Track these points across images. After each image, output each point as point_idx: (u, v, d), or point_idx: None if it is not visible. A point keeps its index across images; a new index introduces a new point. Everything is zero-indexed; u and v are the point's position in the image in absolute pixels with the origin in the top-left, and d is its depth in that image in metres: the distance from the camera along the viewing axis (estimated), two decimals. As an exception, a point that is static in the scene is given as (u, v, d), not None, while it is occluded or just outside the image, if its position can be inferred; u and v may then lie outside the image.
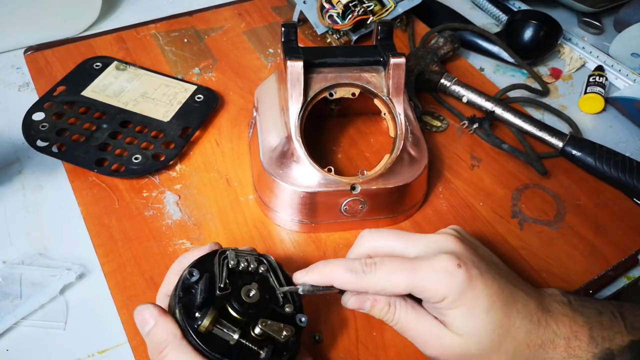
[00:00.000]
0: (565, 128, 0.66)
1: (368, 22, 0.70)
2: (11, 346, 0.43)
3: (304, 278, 0.38)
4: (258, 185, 0.52)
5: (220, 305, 0.35)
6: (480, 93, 0.65)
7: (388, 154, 0.50)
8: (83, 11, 0.72)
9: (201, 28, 0.73)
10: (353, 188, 0.48)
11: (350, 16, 0.67)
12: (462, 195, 0.57)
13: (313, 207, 0.49)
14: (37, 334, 0.44)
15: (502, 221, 0.55)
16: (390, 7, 0.70)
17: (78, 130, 0.56)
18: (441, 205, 0.56)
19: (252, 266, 0.38)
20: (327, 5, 0.67)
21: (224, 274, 0.36)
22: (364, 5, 0.67)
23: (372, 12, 0.69)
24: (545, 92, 0.71)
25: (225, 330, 0.34)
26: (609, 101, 0.70)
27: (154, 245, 0.49)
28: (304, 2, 0.68)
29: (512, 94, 0.70)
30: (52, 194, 0.54)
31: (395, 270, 0.36)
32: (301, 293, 0.37)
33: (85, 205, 0.52)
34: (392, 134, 0.51)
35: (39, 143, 0.54)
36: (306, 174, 0.48)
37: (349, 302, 0.38)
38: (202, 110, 0.60)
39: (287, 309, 0.37)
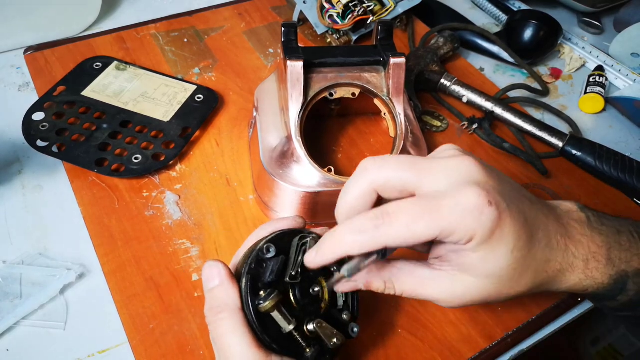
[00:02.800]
0: (565, 128, 0.66)
1: (368, 22, 0.70)
2: (11, 346, 0.43)
3: (315, 260, 0.33)
4: (258, 185, 0.52)
5: (284, 290, 0.35)
6: (480, 93, 0.65)
7: (388, 154, 0.50)
8: (83, 11, 0.72)
9: (201, 28, 0.73)
10: (353, 188, 0.48)
11: (350, 16, 0.67)
12: (462, 195, 0.56)
13: (313, 207, 0.49)
14: (37, 334, 0.44)
15: (502, 221, 0.54)
16: (390, 7, 0.70)
17: (78, 130, 0.56)
18: (441, 205, 0.55)
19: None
20: (327, 5, 0.67)
21: (299, 262, 0.36)
22: (364, 5, 0.67)
23: (372, 12, 0.69)
24: (545, 92, 0.71)
25: (282, 317, 0.34)
26: (609, 101, 0.70)
27: (154, 245, 0.49)
28: (304, 2, 0.68)
29: (512, 94, 0.70)
30: (52, 194, 0.54)
31: (415, 218, 0.30)
32: (348, 276, 0.33)
33: (85, 205, 0.52)
34: (392, 134, 0.51)
35: (39, 143, 0.54)
36: (306, 174, 0.48)
37: (344, 287, 0.35)
38: (202, 110, 0.60)
39: (344, 316, 0.37)
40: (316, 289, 0.36)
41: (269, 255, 0.35)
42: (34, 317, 0.45)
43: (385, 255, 0.33)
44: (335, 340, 0.35)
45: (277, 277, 0.34)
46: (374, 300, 0.47)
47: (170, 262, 0.48)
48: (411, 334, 0.45)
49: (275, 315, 0.34)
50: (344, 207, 0.34)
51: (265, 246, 0.35)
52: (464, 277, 0.33)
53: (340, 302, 0.37)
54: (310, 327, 0.35)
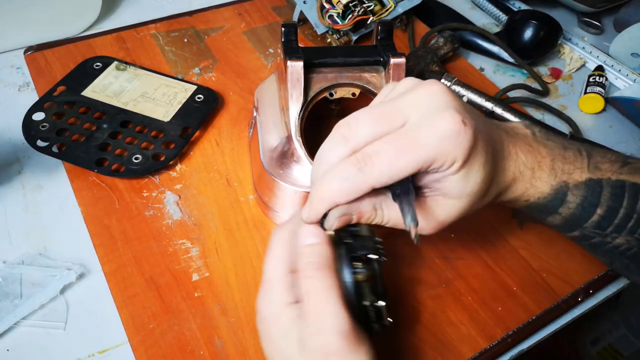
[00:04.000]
0: (565, 128, 0.66)
1: (368, 22, 0.70)
2: (11, 346, 0.43)
3: (310, 216, 0.34)
4: (258, 185, 0.52)
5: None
6: (480, 93, 0.65)
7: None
8: (83, 11, 0.72)
9: (201, 28, 0.73)
10: (353, 188, 0.48)
11: (350, 16, 0.67)
12: (462, 195, 0.57)
13: (313, 207, 0.49)
14: (37, 334, 0.44)
15: (502, 221, 0.55)
16: (390, 7, 0.70)
17: (78, 130, 0.56)
18: (441, 205, 0.56)
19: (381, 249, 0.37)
20: (327, 5, 0.67)
21: (378, 242, 0.36)
22: (364, 5, 0.67)
23: (372, 12, 0.69)
24: (545, 92, 0.71)
25: (369, 290, 0.34)
26: (609, 101, 0.70)
27: (154, 245, 0.49)
28: (304, 2, 0.68)
29: (512, 94, 0.70)
30: (52, 194, 0.54)
31: (397, 155, 0.31)
32: (416, 225, 0.32)
33: (85, 205, 0.52)
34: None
35: (39, 143, 0.54)
36: (306, 174, 0.48)
37: (337, 221, 0.34)
38: (202, 110, 0.60)
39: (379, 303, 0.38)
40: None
41: (362, 232, 0.36)
42: (34, 317, 0.45)
43: (413, 192, 0.33)
44: (389, 319, 0.36)
45: (369, 252, 0.35)
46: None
47: (170, 262, 0.48)
48: (411, 334, 0.45)
49: (364, 286, 0.34)
50: (326, 202, 0.33)
51: (354, 225, 0.36)
52: (445, 201, 0.35)
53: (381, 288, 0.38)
54: (381, 303, 0.35)
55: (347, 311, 0.32)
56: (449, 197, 0.35)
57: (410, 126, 0.32)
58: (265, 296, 0.34)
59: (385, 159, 0.31)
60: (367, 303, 0.35)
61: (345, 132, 0.33)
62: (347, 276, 0.34)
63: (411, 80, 0.35)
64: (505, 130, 0.38)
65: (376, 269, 0.36)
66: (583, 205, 0.38)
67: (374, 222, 0.36)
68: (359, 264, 0.34)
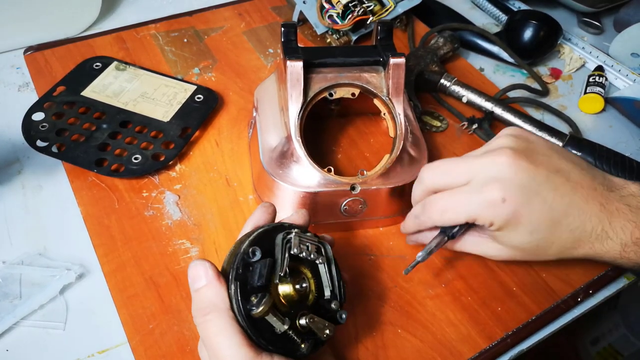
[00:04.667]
0: (565, 128, 0.66)
1: (368, 22, 0.70)
2: (11, 346, 0.43)
3: (405, 231, 0.48)
4: (258, 185, 0.52)
5: (273, 290, 0.35)
6: (480, 93, 0.65)
7: (388, 154, 0.50)
8: (83, 11, 0.72)
9: (201, 28, 0.73)
10: (353, 188, 0.48)
11: (350, 16, 0.67)
12: (462, 195, 0.56)
13: (313, 207, 0.49)
14: (37, 334, 0.44)
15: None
16: (390, 7, 0.70)
17: (78, 130, 0.56)
18: (441, 205, 0.55)
19: (311, 256, 0.37)
20: (327, 5, 0.67)
21: (286, 262, 0.35)
22: (364, 5, 0.67)
23: (372, 12, 0.69)
24: (545, 92, 0.71)
25: (276, 319, 0.34)
26: (609, 101, 0.70)
27: (154, 245, 0.49)
28: (304, 2, 0.68)
29: (512, 94, 0.70)
30: (52, 194, 0.54)
31: (446, 208, 0.41)
32: (421, 260, 0.43)
33: (85, 205, 0.52)
34: (391, 134, 0.51)
35: (39, 143, 0.54)
36: (306, 174, 0.48)
37: (411, 238, 0.49)
38: (201, 110, 0.60)
39: (333, 305, 0.37)
40: (304, 285, 0.36)
41: (255, 259, 0.35)
42: (34, 317, 0.45)
43: (454, 236, 0.43)
44: (327, 331, 0.35)
45: (266, 281, 0.34)
46: (374, 300, 0.47)
47: (170, 262, 0.48)
48: (411, 334, 0.45)
49: (269, 317, 0.33)
50: (413, 200, 0.46)
51: (250, 250, 0.35)
52: (496, 245, 0.43)
53: (328, 292, 0.38)
54: (303, 322, 0.35)
55: (250, 347, 0.32)
56: (498, 243, 0.43)
57: (468, 187, 0.40)
58: (200, 349, 0.37)
59: (437, 209, 0.42)
60: (283, 329, 0.34)
61: (423, 174, 0.44)
62: (240, 317, 0.33)
63: (505, 137, 0.42)
64: (605, 201, 0.40)
65: (284, 287, 0.35)
66: None
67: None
68: (254, 298, 0.33)
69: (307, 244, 0.37)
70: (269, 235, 0.37)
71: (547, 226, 0.40)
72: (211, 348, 0.33)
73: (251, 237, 0.36)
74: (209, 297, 0.34)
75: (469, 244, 0.45)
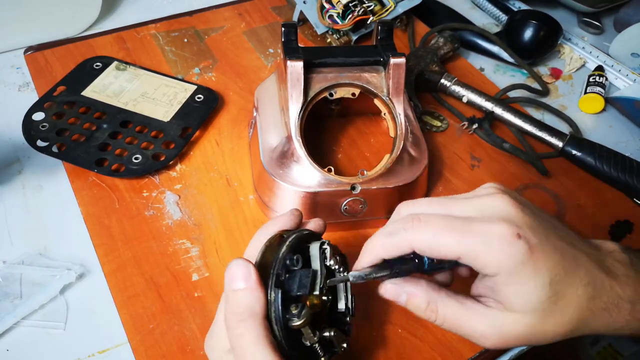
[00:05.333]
0: (565, 128, 0.66)
1: (368, 22, 0.70)
2: (11, 346, 0.43)
3: (358, 266, 0.35)
4: (258, 185, 0.52)
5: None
6: (480, 93, 0.65)
7: (388, 154, 0.50)
8: (83, 11, 0.72)
9: (201, 28, 0.73)
10: (353, 188, 0.48)
11: (350, 16, 0.67)
12: (462, 195, 0.57)
13: (313, 207, 0.49)
14: (37, 334, 0.44)
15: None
16: (390, 7, 0.70)
17: (78, 130, 0.56)
18: (441, 205, 0.55)
19: (341, 269, 0.36)
20: (327, 5, 0.67)
21: (324, 275, 0.35)
22: (364, 5, 0.67)
23: (372, 12, 0.69)
24: (545, 92, 0.71)
25: (309, 331, 0.33)
26: (609, 101, 0.70)
27: (154, 245, 0.49)
28: (304, 2, 0.68)
29: (512, 94, 0.70)
30: (52, 194, 0.54)
31: (444, 230, 0.31)
32: (352, 281, 0.34)
33: (85, 205, 0.52)
34: (392, 134, 0.51)
35: (39, 143, 0.54)
36: (306, 174, 0.48)
37: (386, 288, 0.34)
38: (202, 110, 0.60)
39: (347, 319, 0.37)
40: (330, 297, 0.36)
41: (297, 267, 0.34)
42: (34, 317, 0.45)
43: (430, 271, 0.35)
44: (344, 345, 0.35)
45: (308, 292, 0.33)
46: (374, 300, 0.47)
47: (170, 262, 0.48)
48: (411, 334, 0.45)
49: (305, 330, 0.33)
50: (370, 256, 0.34)
51: (293, 257, 0.34)
52: (505, 314, 0.32)
53: (342, 305, 0.37)
54: (327, 334, 0.34)
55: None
56: (508, 310, 0.32)
57: (469, 219, 0.32)
58: (210, 338, 0.35)
59: (432, 228, 0.32)
60: (313, 342, 0.33)
61: (409, 224, 0.33)
62: (278, 326, 0.32)
63: (490, 187, 0.35)
64: (600, 256, 0.35)
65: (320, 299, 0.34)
66: None
67: (428, 319, 0.34)
68: (294, 309, 0.32)
69: (336, 257, 0.36)
70: (302, 242, 0.36)
71: (563, 276, 0.32)
72: (242, 356, 0.32)
73: (288, 243, 0.35)
74: (247, 301, 0.32)
75: (450, 308, 0.34)
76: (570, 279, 0.32)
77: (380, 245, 0.34)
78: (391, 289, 0.34)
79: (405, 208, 0.35)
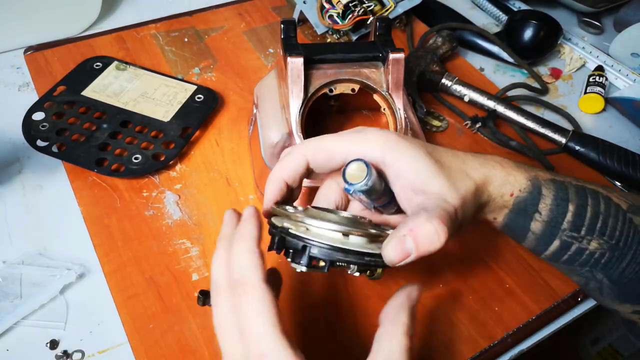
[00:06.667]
0: (566, 126, 0.66)
1: (368, 22, 0.70)
2: (11, 346, 0.43)
3: (266, 197, 0.37)
4: (260, 182, 0.52)
5: None
6: (482, 92, 0.65)
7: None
8: (83, 11, 0.72)
9: (201, 28, 0.73)
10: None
11: (350, 16, 0.67)
12: (462, 195, 0.56)
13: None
14: (37, 334, 0.44)
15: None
16: (390, 7, 0.70)
17: (78, 130, 0.56)
18: (441, 205, 0.55)
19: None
20: (327, 5, 0.67)
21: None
22: (364, 5, 0.67)
23: (372, 12, 0.69)
24: (545, 91, 0.71)
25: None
26: (609, 101, 0.70)
27: (154, 245, 0.49)
28: (304, 2, 0.68)
29: (512, 93, 0.70)
30: (52, 193, 0.53)
31: (326, 137, 0.37)
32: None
33: (85, 205, 0.52)
34: (391, 129, 0.51)
35: (39, 143, 0.54)
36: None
37: (390, 249, 0.33)
38: (202, 110, 0.60)
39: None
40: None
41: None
42: (34, 317, 0.45)
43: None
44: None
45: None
46: (375, 299, 0.47)
47: (170, 262, 0.48)
48: (411, 333, 0.45)
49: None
50: (274, 181, 0.37)
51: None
52: (421, 197, 0.35)
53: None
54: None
55: (279, 329, 0.30)
56: (425, 198, 0.35)
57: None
58: (213, 297, 0.34)
59: (318, 139, 0.37)
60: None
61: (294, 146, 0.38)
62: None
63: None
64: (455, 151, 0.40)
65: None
66: (557, 201, 0.39)
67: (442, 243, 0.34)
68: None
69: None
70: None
71: (431, 152, 0.36)
72: (246, 323, 0.30)
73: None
74: (253, 265, 0.32)
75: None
76: (438, 154, 0.37)
77: (280, 166, 0.37)
78: (393, 245, 0.32)
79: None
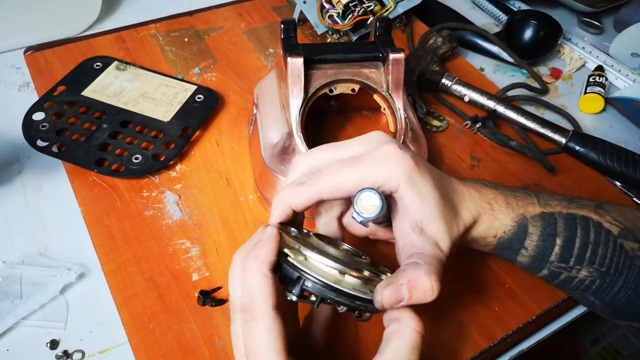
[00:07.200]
0: (566, 126, 0.66)
1: (368, 22, 0.70)
2: (11, 346, 0.43)
3: (272, 219, 0.36)
4: (260, 182, 0.52)
5: None
6: (482, 92, 0.65)
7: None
8: (83, 11, 0.72)
9: (201, 28, 0.73)
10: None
11: (350, 16, 0.67)
12: (462, 195, 0.56)
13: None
14: (37, 334, 0.44)
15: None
16: (390, 7, 0.70)
17: (78, 130, 0.56)
18: (441, 205, 0.55)
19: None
20: (327, 5, 0.67)
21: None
22: (364, 5, 0.67)
23: (372, 12, 0.69)
24: (545, 91, 0.71)
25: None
26: (609, 101, 0.70)
27: (154, 245, 0.49)
28: (304, 2, 0.68)
29: (512, 93, 0.70)
30: (52, 194, 0.53)
31: (342, 169, 0.36)
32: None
33: (86, 205, 0.52)
34: (391, 129, 0.51)
35: (39, 143, 0.54)
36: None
37: (383, 295, 0.33)
38: (202, 110, 0.60)
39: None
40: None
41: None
42: (34, 317, 0.45)
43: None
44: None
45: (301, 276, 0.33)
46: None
47: (170, 262, 0.48)
48: (411, 333, 0.45)
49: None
50: (281, 205, 0.37)
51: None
52: (429, 238, 0.36)
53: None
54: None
55: (283, 356, 0.31)
56: (425, 229, 0.36)
57: (356, 155, 0.37)
58: (231, 312, 0.34)
59: (332, 172, 0.36)
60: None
61: (306, 155, 0.39)
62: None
63: (370, 133, 0.39)
64: (453, 178, 0.41)
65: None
66: (544, 237, 0.40)
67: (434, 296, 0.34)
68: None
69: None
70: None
71: (439, 182, 0.37)
72: (250, 350, 0.32)
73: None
74: (262, 292, 0.32)
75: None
76: (443, 187, 0.38)
77: (292, 194, 0.36)
78: (388, 292, 0.33)
79: (301, 161, 0.38)
